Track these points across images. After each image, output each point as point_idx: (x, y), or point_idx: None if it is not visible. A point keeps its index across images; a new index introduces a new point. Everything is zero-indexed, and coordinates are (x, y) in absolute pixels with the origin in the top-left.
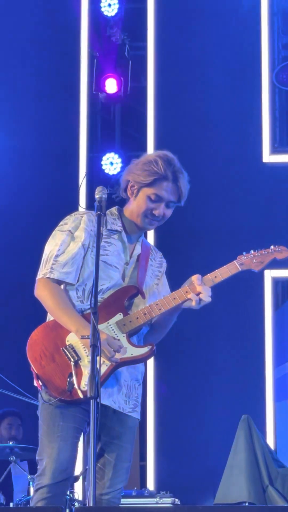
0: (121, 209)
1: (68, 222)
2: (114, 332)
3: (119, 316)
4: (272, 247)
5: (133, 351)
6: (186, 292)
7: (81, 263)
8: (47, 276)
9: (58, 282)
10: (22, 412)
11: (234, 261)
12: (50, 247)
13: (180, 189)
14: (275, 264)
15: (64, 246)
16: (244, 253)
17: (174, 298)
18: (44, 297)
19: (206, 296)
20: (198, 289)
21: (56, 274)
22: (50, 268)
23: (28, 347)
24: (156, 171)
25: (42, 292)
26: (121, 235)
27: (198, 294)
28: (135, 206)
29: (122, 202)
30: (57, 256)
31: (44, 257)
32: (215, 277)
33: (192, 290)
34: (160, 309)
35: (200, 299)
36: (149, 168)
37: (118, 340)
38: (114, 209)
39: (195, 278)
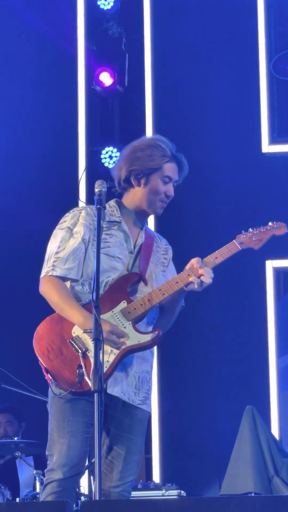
0: (120, 201)
1: (67, 219)
2: (120, 320)
3: (123, 304)
4: (270, 223)
5: (139, 338)
6: (188, 275)
7: (82, 258)
8: (50, 273)
9: (62, 279)
10: (24, 408)
11: (234, 240)
12: (51, 245)
13: (183, 166)
14: (278, 254)
15: (64, 242)
16: (242, 232)
17: (177, 282)
18: (48, 293)
19: (207, 278)
20: (200, 272)
21: (59, 271)
22: (52, 266)
23: (34, 342)
24: (164, 154)
25: (46, 288)
26: (120, 225)
27: (199, 277)
28: (146, 193)
29: (121, 196)
30: (57, 253)
31: (46, 256)
32: (216, 258)
33: (193, 272)
34: (163, 294)
35: (201, 281)
36: (155, 153)
37: (124, 327)
38: (112, 202)
39: (195, 261)
